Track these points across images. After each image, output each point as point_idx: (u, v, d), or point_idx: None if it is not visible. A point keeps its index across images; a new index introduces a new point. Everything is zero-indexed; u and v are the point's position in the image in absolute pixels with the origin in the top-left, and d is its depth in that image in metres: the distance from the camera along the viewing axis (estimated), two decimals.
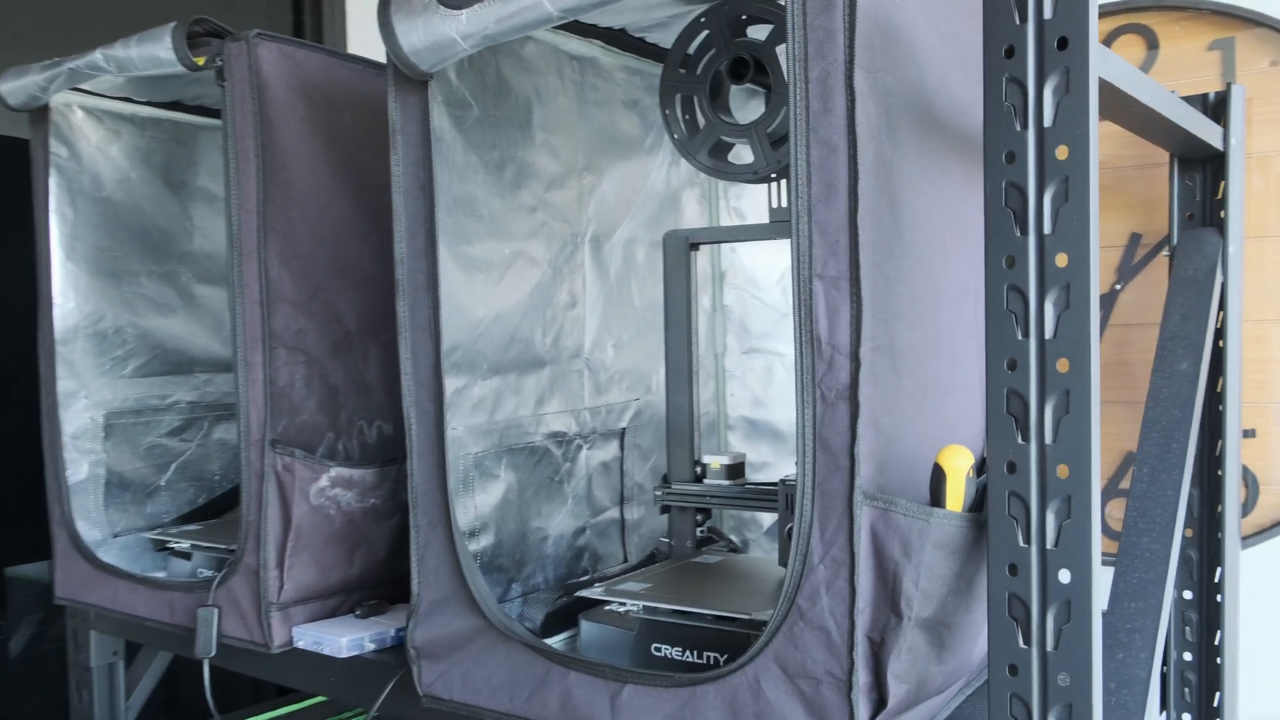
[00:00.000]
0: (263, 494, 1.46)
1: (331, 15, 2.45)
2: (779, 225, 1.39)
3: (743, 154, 1.36)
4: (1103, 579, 0.91)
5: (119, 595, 1.69)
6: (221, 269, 2.04)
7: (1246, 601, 1.41)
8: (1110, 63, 1.00)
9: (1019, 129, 0.89)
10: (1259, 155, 1.41)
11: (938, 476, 0.97)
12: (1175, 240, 1.38)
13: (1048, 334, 0.89)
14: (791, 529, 1.31)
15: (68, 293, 1.80)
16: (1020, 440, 0.90)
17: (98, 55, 1.53)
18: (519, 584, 1.45)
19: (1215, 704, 1.35)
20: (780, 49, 1.29)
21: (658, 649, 1.26)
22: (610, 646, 1.30)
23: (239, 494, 2.04)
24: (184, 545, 1.77)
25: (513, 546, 1.44)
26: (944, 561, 0.96)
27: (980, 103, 1.17)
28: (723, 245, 1.76)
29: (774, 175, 1.35)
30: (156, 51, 1.47)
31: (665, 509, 1.53)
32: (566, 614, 1.41)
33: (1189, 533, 1.38)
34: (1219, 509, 1.34)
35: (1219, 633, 1.34)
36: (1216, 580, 1.35)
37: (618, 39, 1.50)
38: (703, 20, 1.34)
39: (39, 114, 1.75)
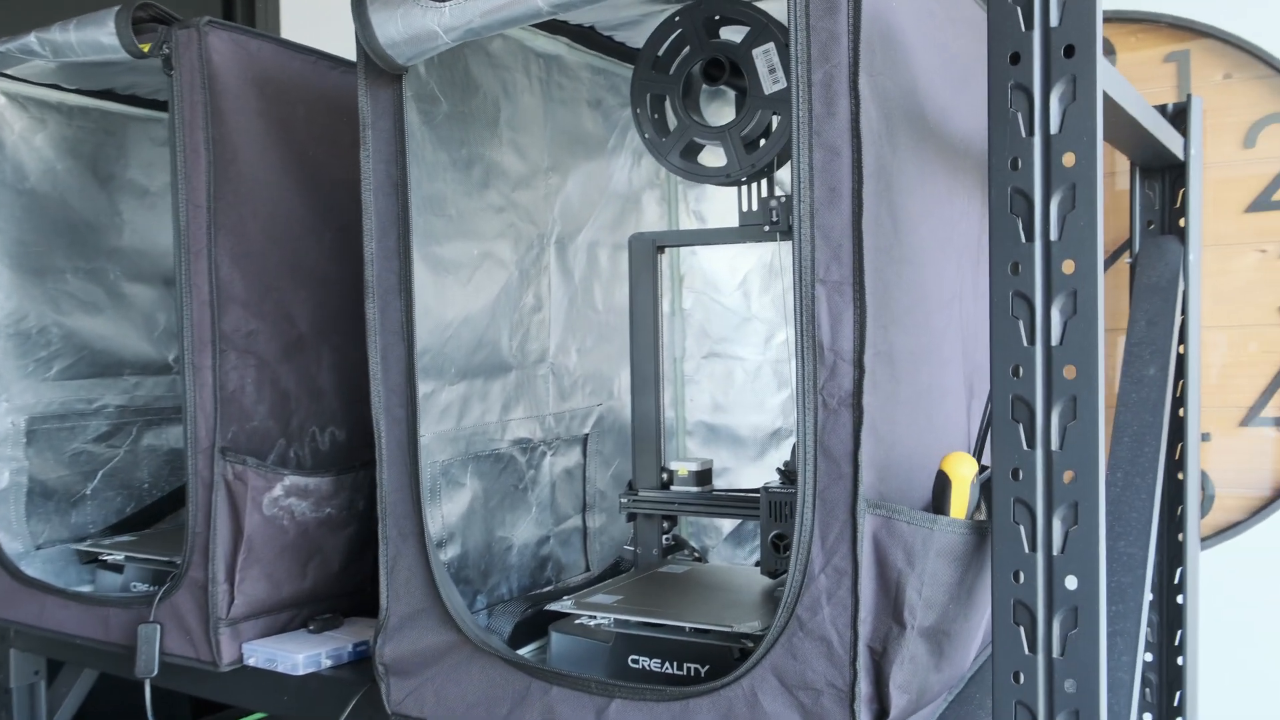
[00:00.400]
0: (212, 504, 1.39)
1: (264, 4, 2.36)
2: (749, 229, 1.38)
3: (709, 156, 1.34)
4: None
5: (46, 611, 1.60)
6: (152, 266, 1.95)
7: (1201, 602, 1.45)
8: (1105, 71, 1.01)
9: (1024, 135, 0.89)
10: (1211, 166, 1.45)
11: (942, 483, 0.96)
12: (1137, 248, 1.40)
13: (1054, 340, 0.89)
14: (776, 537, 1.31)
15: None
16: (1026, 446, 0.90)
17: (32, 39, 1.44)
18: (484, 595, 1.41)
19: (1176, 703, 1.38)
20: (756, 51, 1.27)
21: (635, 661, 1.23)
22: (584, 659, 1.27)
23: (170, 503, 1.98)
24: (117, 557, 1.68)
25: (478, 557, 1.40)
26: (947, 569, 0.96)
27: (962, 108, 1.18)
28: (682, 248, 1.74)
29: (745, 179, 1.34)
30: (99, 37, 1.40)
31: (631, 516, 1.50)
32: (532, 626, 1.37)
33: None
34: (1179, 510, 1.37)
35: (1179, 633, 1.37)
36: (1176, 581, 1.38)
37: (586, 36, 1.47)
38: (677, 20, 1.32)
39: None
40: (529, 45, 1.45)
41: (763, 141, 1.31)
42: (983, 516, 1.01)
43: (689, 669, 1.20)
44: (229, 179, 1.40)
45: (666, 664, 1.21)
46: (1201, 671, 1.42)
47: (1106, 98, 1.03)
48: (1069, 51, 0.88)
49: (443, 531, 1.33)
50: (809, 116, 0.95)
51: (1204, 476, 1.46)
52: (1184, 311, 1.35)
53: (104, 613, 1.52)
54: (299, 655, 1.37)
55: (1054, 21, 0.88)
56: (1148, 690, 1.41)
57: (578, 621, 1.29)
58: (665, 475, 1.49)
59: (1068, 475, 0.89)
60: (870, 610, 0.96)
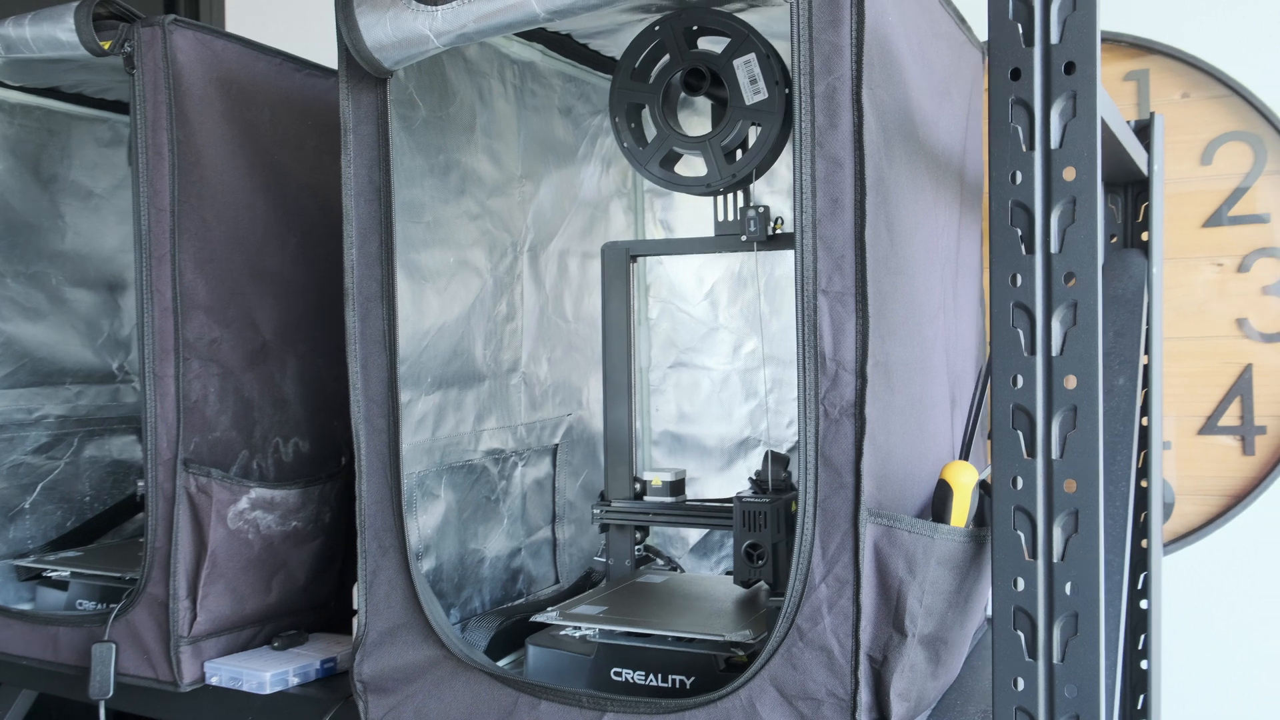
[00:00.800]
0: (174, 518, 1.34)
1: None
2: (725, 239, 1.38)
3: (683, 166, 1.34)
4: None
5: None
6: (96, 271, 1.88)
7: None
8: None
9: (1025, 150, 0.91)
10: (1169, 181, 1.50)
11: (943, 492, 0.97)
12: (1101, 261, 1.44)
13: (1055, 351, 0.90)
14: (750, 546, 1.31)
15: None
16: (1026, 455, 0.91)
17: None
18: (457, 609, 1.38)
19: (1140, 706, 1.41)
20: (737, 62, 1.28)
21: (618, 673, 1.22)
22: (564, 672, 1.25)
23: (113, 517, 1.90)
24: (62, 574, 1.62)
25: (452, 570, 1.37)
26: (947, 577, 0.97)
27: (943, 121, 1.20)
28: (647, 258, 1.74)
29: (723, 189, 1.34)
30: (56, 33, 1.34)
31: (605, 527, 1.49)
32: (505, 640, 1.35)
33: None
34: (1143, 517, 1.40)
35: (1143, 637, 1.41)
36: (1140, 586, 1.41)
37: (561, 43, 1.46)
38: (656, 29, 1.32)
39: None
40: (504, 51, 1.43)
41: (740, 153, 1.31)
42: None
43: (674, 681, 1.19)
44: (192, 182, 1.36)
45: (651, 676, 1.20)
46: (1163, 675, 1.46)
47: None
48: (1069, 68, 0.90)
49: (419, 544, 1.30)
50: (812, 128, 0.96)
51: (1165, 484, 1.51)
52: (1148, 323, 1.38)
53: (52, 632, 1.46)
54: (265, 673, 1.33)
55: (1054, 39, 0.90)
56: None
57: (556, 634, 1.28)
58: (638, 486, 1.48)
59: (1069, 484, 0.90)
60: (871, 619, 0.96)
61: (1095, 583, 0.90)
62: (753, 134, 1.30)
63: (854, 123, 0.95)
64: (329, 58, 1.55)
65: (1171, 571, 1.51)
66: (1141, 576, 1.42)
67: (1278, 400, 1.42)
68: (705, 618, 1.25)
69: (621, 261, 1.48)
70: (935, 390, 1.13)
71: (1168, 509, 1.50)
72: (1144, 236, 1.41)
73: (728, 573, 1.66)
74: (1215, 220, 1.44)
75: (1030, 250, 0.91)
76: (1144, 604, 1.40)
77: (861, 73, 0.94)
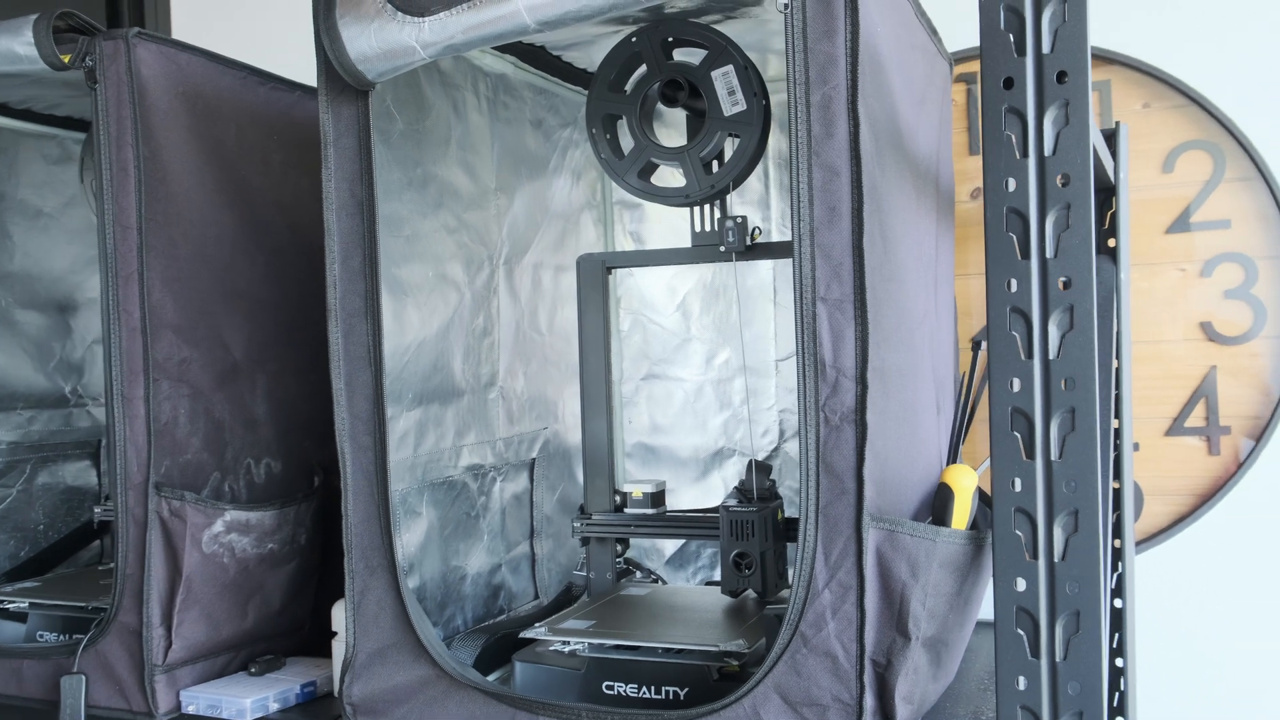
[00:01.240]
0: (145, 543, 1.30)
1: (153, 4, 2.24)
2: (702, 250, 1.39)
3: (660, 177, 1.34)
4: None
5: None
6: (46, 292, 1.82)
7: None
8: None
9: (1019, 157, 0.93)
10: (1133, 189, 1.53)
11: (945, 496, 0.98)
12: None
13: (1052, 354, 0.92)
14: (738, 556, 1.31)
15: None
16: (1025, 457, 0.93)
17: None
18: (440, 627, 1.36)
19: (1116, 704, 1.44)
20: (715, 74, 1.28)
21: (610, 687, 1.21)
22: (554, 688, 1.24)
23: (68, 546, 1.84)
24: (20, 605, 1.56)
25: (435, 588, 1.35)
26: (948, 580, 0.98)
27: (921, 130, 1.22)
28: (617, 269, 1.74)
29: (701, 200, 1.34)
30: (14, 46, 1.30)
31: (585, 541, 1.48)
32: (490, 657, 1.33)
33: None
34: (1116, 517, 1.43)
35: (1118, 635, 1.43)
36: (1114, 586, 1.44)
37: (534, 55, 1.46)
38: (633, 41, 1.32)
39: None
40: (477, 64, 1.42)
41: (716, 164, 1.32)
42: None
43: (668, 692, 1.18)
44: (158, 199, 1.33)
45: (644, 688, 1.19)
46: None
47: None
48: (1061, 77, 0.92)
49: (403, 563, 1.28)
50: (809, 137, 0.96)
51: (1135, 484, 1.54)
52: (1118, 327, 1.42)
53: (15, 665, 1.41)
54: (245, 700, 1.29)
55: (1046, 49, 0.92)
56: None
57: (542, 650, 1.26)
58: (619, 498, 1.47)
59: (1068, 484, 0.92)
60: (875, 623, 0.97)
61: (1096, 581, 0.91)
62: (730, 145, 1.31)
63: (850, 132, 0.96)
64: (282, 69, 1.53)
65: (1142, 570, 1.54)
66: (1115, 576, 1.44)
67: (1240, 401, 1.46)
68: (695, 628, 1.25)
69: (597, 273, 1.47)
70: (924, 395, 1.14)
71: (1138, 509, 1.54)
72: (1110, 243, 1.44)
73: (708, 583, 1.67)
74: (1178, 226, 1.48)
75: (1026, 255, 0.92)
76: (1118, 603, 1.43)
77: (856, 82, 0.95)
